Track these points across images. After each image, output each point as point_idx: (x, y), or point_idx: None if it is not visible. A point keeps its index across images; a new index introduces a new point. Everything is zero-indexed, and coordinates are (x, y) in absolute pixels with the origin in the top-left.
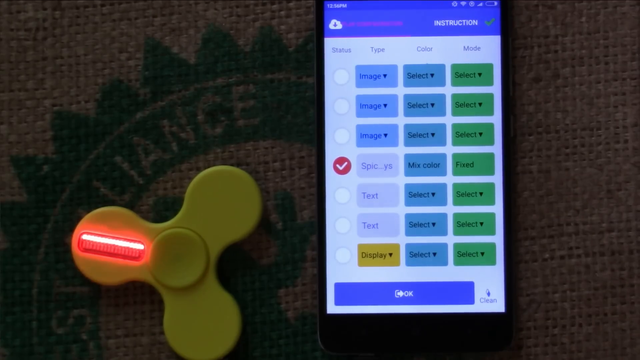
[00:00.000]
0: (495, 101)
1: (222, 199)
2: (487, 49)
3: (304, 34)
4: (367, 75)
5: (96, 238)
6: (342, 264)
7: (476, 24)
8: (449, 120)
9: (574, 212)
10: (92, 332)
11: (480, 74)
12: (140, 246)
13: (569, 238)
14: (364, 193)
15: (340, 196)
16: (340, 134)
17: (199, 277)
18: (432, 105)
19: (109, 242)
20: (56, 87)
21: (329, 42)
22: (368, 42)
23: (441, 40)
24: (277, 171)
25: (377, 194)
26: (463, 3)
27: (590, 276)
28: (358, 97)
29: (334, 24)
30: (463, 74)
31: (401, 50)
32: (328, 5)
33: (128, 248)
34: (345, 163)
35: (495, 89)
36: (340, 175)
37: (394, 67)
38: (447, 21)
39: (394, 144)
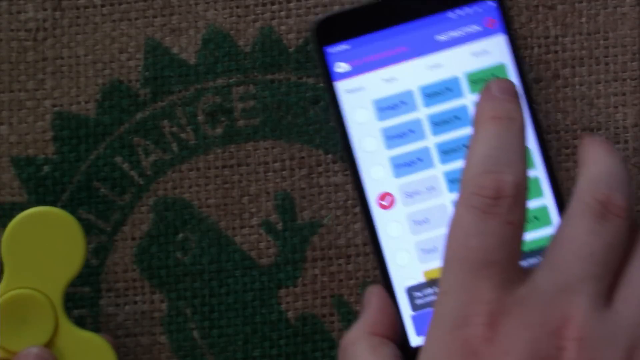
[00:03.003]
0: None
1: (41, 243)
2: (495, 51)
3: (304, 35)
4: (386, 107)
5: None
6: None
7: (478, 28)
8: None
9: None
10: (91, 331)
11: (494, 76)
12: None
13: None
14: (414, 221)
15: (393, 230)
16: (375, 171)
17: (52, 332)
18: (457, 118)
19: None
20: (56, 88)
21: (341, 85)
22: (378, 74)
23: (448, 53)
24: (277, 171)
25: (427, 219)
26: (461, 12)
27: None
28: (383, 131)
29: (341, 67)
30: (478, 80)
31: (412, 74)
32: (330, 50)
33: None
34: (388, 197)
35: None
36: (386, 210)
37: (409, 93)
38: (449, 33)
39: (430, 165)
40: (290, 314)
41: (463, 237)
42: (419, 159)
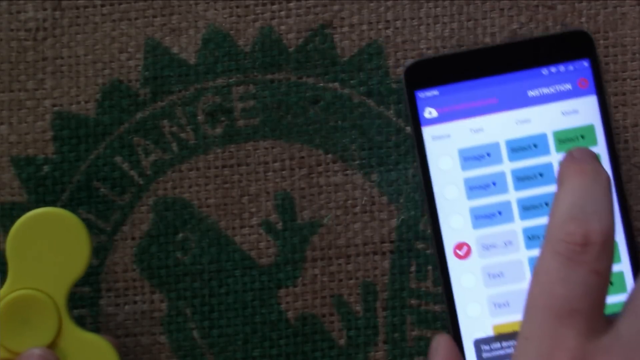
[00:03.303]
0: (603, 160)
1: (46, 244)
2: (585, 111)
3: (304, 35)
4: (471, 157)
5: None
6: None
7: (570, 87)
8: None
9: None
10: (92, 332)
11: (583, 137)
12: None
13: None
14: (489, 274)
15: (466, 281)
16: (455, 220)
17: (55, 333)
18: (540, 175)
19: None
20: (56, 88)
21: (428, 131)
22: (466, 124)
23: (538, 109)
24: (277, 171)
25: (502, 273)
26: (553, 69)
27: None
28: (466, 180)
29: (429, 112)
30: (566, 139)
31: (500, 127)
32: (420, 95)
33: None
34: (465, 247)
35: (600, 149)
36: (462, 260)
37: (496, 145)
38: (540, 90)
39: (510, 220)
40: (290, 314)
41: (548, 283)
42: (499, 212)
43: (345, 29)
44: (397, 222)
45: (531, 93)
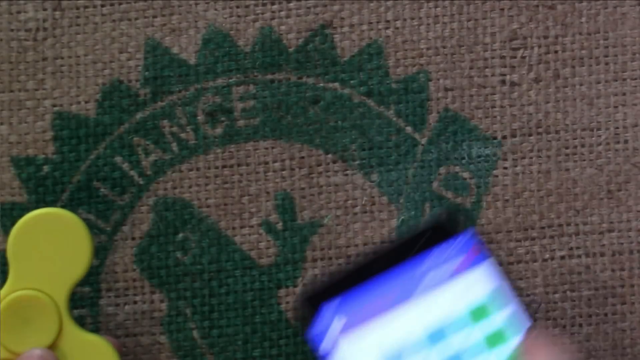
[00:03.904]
0: (514, 312)
1: (47, 244)
2: (488, 277)
3: (304, 35)
4: (391, 355)
5: None
6: None
7: (465, 259)
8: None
9: (574, 213)
10: (92, 332)
11: (494, 300)
12: None
13: (569, 238)
14: None
15: None
16: None
17: (56, 333)
18: (465, 351)
19: None
20: (56, 88)
21: (341, 341)
22: (377, 324)
23: (443, 290)
24: (277, 171)
25: None
26: (443, 249)
27: (591, 276)
28: None
29: (336, 324)
30: (479, 310)
31: (412, 317)
32: (324, 309)
33: None
34: None
35: (512, 304)
36: None
37: (412, 335)
38: (437, 270)
39: None
40: (290, 314)
41: None
42: None
43: (345, 29)
44: (397, 222)
45: (431, 276)
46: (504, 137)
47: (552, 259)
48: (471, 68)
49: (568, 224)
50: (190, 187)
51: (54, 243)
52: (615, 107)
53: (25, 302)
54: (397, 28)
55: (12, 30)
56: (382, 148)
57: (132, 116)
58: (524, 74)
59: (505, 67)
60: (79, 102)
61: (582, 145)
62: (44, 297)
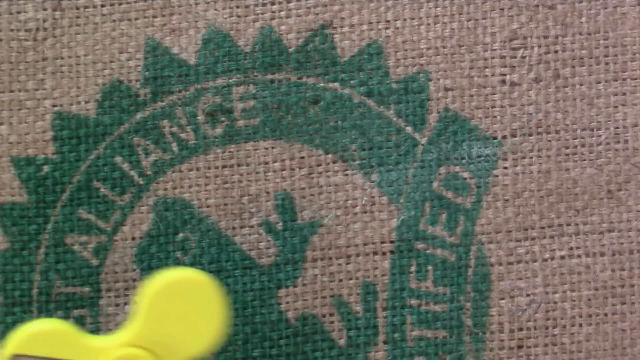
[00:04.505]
0: None
1: (182, 311)
2: None
3: (304, 35)
4: None
5: None
6: None
7: None
8: None
9: (574, 213)
10: (92, 332)
11: None
12: None
13: (569, 238)
14: None
15: None
16: None
17: None
18: None
19: None
20: (56, 88)
21: None
22: None
23: None
24: (277, 171)
25: None
26: None
27: (591, 276)
28: None
29: None
30: None
31: None
32: None
33: None
34: None
35: None
36: None
37: None
38: None
39: None
40: (290, 314)
41: None
42: None
43: (345, 29)
44: (397, 222)
45: None
46: (504, 137)
47: (552, 259)
48: (471, 68)
49: (568, 224)
50: (190, 187)
51: (191, 313)
52: (615, 107)
53: None
54: (397, 28)
55: (12, 30)
56: (382, 148)
57: (132, 116)
58: (524, 74)
59: (505, 67)
60: (79, 102)
61: (582, 145)
62: None
